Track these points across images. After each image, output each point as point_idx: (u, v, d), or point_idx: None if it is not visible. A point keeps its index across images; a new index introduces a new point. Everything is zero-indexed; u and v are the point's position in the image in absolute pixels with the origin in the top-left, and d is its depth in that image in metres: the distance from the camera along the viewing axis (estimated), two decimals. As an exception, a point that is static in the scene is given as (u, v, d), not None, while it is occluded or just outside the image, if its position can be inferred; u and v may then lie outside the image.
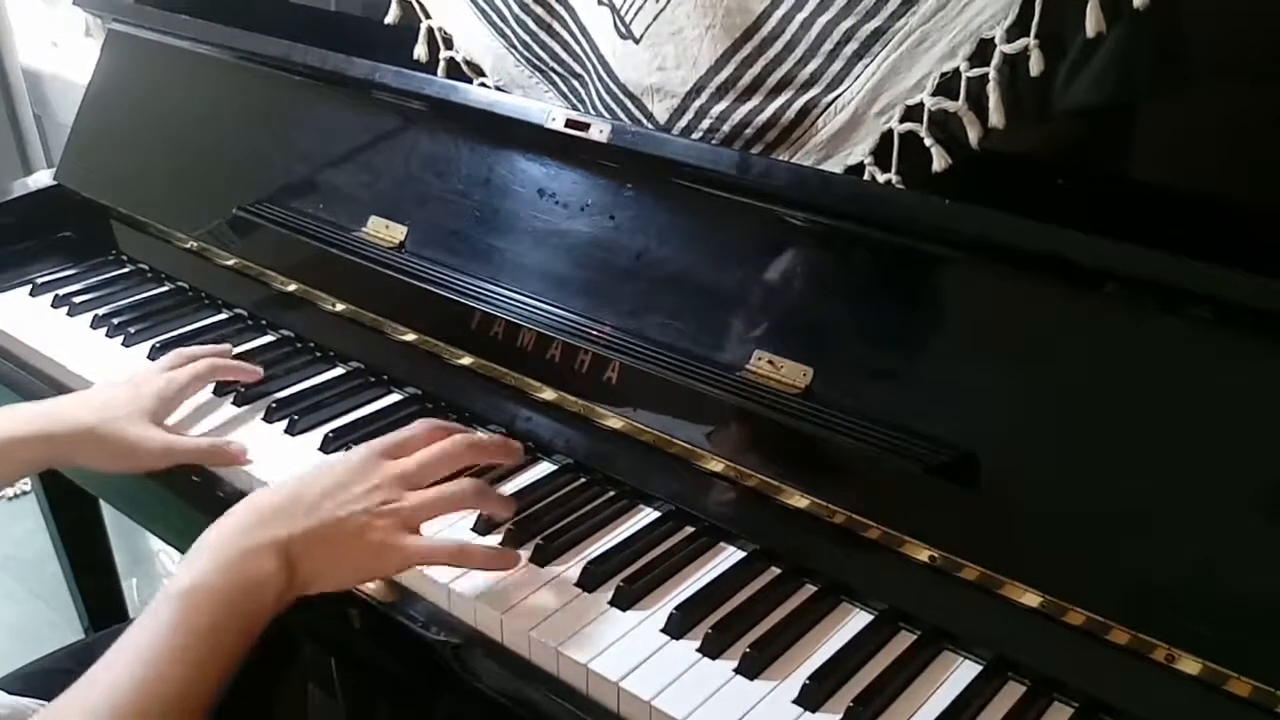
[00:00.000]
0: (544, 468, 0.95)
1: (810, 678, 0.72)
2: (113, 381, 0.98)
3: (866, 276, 0.84)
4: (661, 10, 0.97)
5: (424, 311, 1.02)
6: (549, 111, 0.98)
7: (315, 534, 0.71)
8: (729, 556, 0.85)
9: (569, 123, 0.97)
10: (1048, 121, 0.83)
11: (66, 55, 2.23)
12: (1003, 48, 0.81)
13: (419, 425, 0.83)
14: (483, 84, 1.14)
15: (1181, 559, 0.69)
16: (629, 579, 0.80)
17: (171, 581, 0.68)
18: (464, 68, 1.15)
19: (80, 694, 0.63)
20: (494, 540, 0.84)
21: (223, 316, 1.19)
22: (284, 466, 0.93)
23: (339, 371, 1.09)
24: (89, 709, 0.62)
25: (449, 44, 1.15)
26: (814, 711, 0.71)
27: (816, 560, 0.82)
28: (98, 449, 0.90)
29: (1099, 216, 0.76)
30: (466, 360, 1.00)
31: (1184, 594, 0.69)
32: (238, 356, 1.10)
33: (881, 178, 0.90)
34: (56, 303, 1.20)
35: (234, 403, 1.02)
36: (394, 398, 1.05)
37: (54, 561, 1.57)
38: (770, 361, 0.85)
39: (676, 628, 0.77)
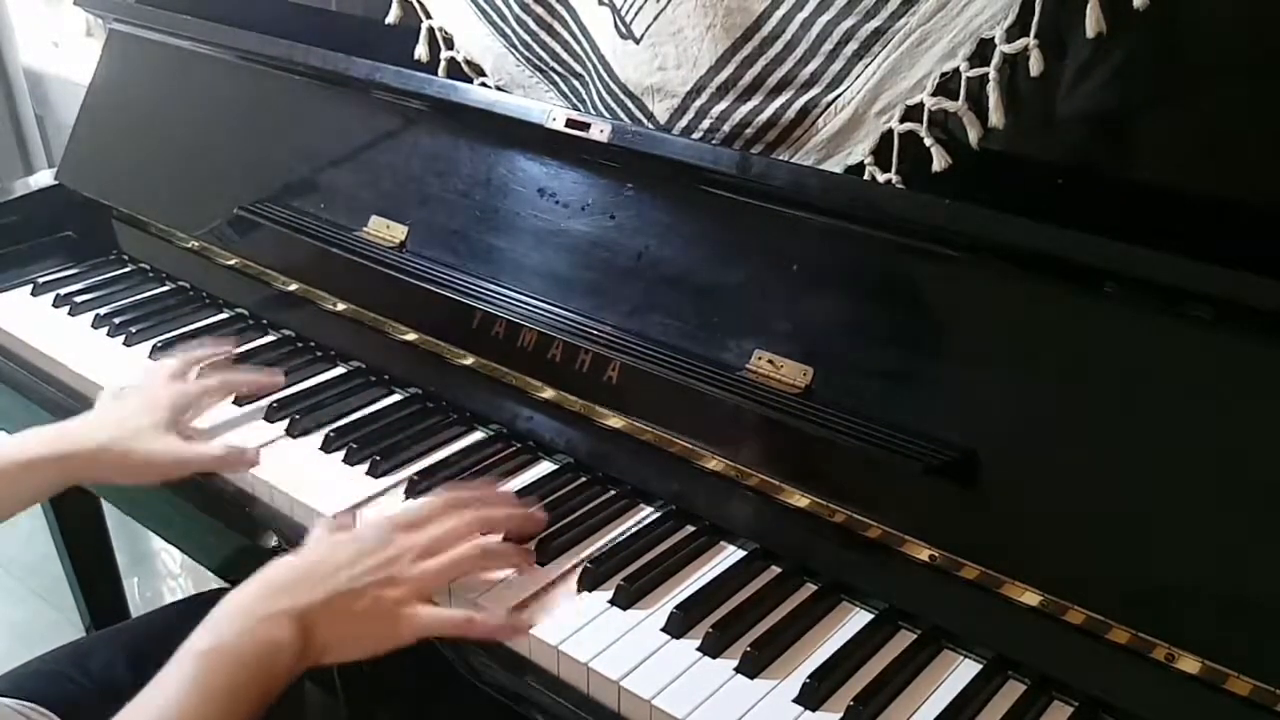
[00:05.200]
0: (544, 467, 0.95)
1: (810, 677, 0.72)
2: (122, 392, 0.97)
3: (866, 276, 0.84)
4: (662, 10, 0.97)
5: (425, 311, 1.03)
6: (549, 111, 0.99)
7: (330, 605, 0.72)
8: (729, 556, 0.85)
9: (569, 122, 0.97)
10: (1047, 121, 0.83)
11: (68, 55, 2.23)
12: (1003, 48, 0.81)
13: (437, 499, 0.82)
14: (483, 84, 1.14)
15: (1181, 558, 0.69)
16: (629, 578, 0.80)
17: (191, 641, 0.69)
18: (465, 67, 1.15)
19: None
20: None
21: (224, 316, 1.19)
22: (285, 467, 0.94)
23: (340, 371, 1.09)
24: None
25: (450, 44, 1.16)
26: (814, 710, 0.71)
27: (817, 559, 0.82)
28: (114, 466, 0.91)
29: (1099, 216, 0.76)
30: (467, 360, 1.00)
31: (1183, 593, 0.69)
32: (238, 355, 1.10)
33: (881, 177, 0.90)
34: (58, 302, 1.20)
35: (234, 402, 1.03)
36: (395, 397, 1.05)
37: (55, 561, 1.57)
38: (770, 361, 0.85)
39: (677, 627, 0.77)
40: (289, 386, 1.05)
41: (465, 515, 0.81)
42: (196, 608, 1.00)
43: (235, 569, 0.97)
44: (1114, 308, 0.74)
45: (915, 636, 0.77)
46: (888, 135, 0.89)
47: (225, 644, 0.69)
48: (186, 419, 0.95)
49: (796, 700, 0.72)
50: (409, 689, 0.86)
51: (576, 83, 1.09)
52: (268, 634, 0.70)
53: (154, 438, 0.91)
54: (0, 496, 0.89)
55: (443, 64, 1.16)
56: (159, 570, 2.02)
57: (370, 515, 0.82)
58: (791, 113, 0.93)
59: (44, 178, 1.38)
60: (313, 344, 1.12)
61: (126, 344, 1.13)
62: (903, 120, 0.88)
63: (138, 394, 0.95)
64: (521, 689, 0.75)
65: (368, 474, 0.93)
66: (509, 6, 1.09)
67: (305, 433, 0.98)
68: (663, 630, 0.77)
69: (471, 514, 0.81)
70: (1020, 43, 0.80)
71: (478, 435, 0.99)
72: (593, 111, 1.06)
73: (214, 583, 1.19)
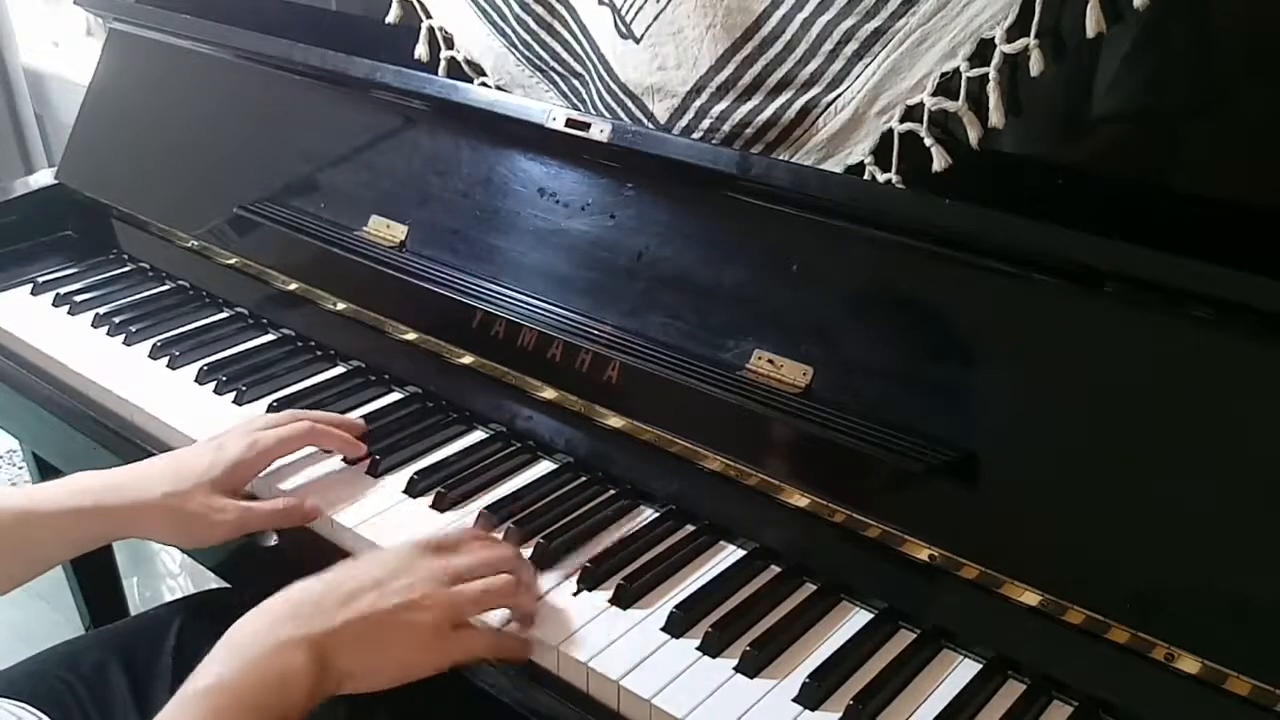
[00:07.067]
0: (544, 467, 0.95)
1: (810, 676, 0.72)
2: (201, 441, 0.90)
3: (866, 276, 0.84)
4: (662, 10, 0.97)
5: (425, 310, 1.03)
6: (549, 111, 0.99)
7: (351, 628, 0.67)
8: (729, 555, 0.85)
9: (569, 122, 0.97)
10: (1047, 121, 0.83)
11: (68, 55, 2.23)
12: (1003, 48, 0.81)
13: (465, 530, 0.81)
14: (483, 83, 1.14)
15: (1181, 558, 0.69)
16: (629, 577, 0.80)
17: (194, 678, 0.64)
18: (465, 67, 1.15)
19: None
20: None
21: (223, 315, 1.19)
22: (280, 464, 0.93)
23: (340, 370, 1.09)
24: None
25: (450, 43, 1.16)
26: (814, 710, 0.71)
27: (816, 559, 0.82)
28: (162, 525, 0.83)
29: (1098, 216, 0.76)
30: (467, 359, 1.00)
31: (1183, 593, 0.69)
32: (238, 354, 1.10)
33: (881, 177, 0.90)
34: (57, 301, 1.20)
35: (234, 402, 1.03)
36: (395, 396, 1.05)
37: (55, 560, 1.56)
38: (770, 361, 0.85)
39: (677, 626, 0.77)
40: (288, 386, 1.05)
41: (498, 549, 0.77)
42: (189, 608, 1.01)
43: (234, 569, 0.97)
44: (1114, 308, 0.74)
45: (915, 636, 0.77)
46: (888, 135, 0.89)
47: (228, 680, 0.63)
48: (252, 472, 0.87)
49: (796, 700, 0.72)
50: (409, 688, 0.86)
51: (576, 82, 1.09)
52: (280, 664, 0.64)
53: (208, 495, 0.83)
54: (37, 547, 0.82)
55: (443, 64, 1.16)
56: (159, 570, 2.02)
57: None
58: (791, 113, 0.93)
59: (44, 177, 1.38)
60: (313, 343, 1.12)
61: (126, 343, 1.13)
62: (903, 120, 0.88)
63: (211, 442, 0.88)
64: (521, 688, 0.75)
65: (367, 473, 0.93)
66: (509, 6, 1.10)
67: (305, 432, 0.98)
68: (662, 630, 0.77)
69: (503, 548, 0.78)
70: (1020, 43, 0.80)
71: (478, 435, 0.99)
72: (593, 111, 1.06)
73: (213, 583, 1.19)
